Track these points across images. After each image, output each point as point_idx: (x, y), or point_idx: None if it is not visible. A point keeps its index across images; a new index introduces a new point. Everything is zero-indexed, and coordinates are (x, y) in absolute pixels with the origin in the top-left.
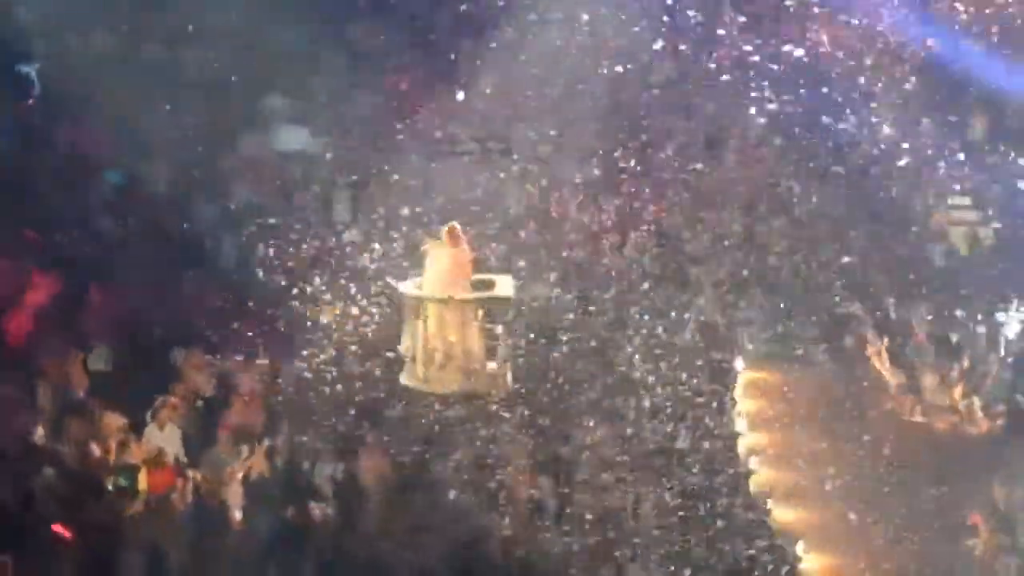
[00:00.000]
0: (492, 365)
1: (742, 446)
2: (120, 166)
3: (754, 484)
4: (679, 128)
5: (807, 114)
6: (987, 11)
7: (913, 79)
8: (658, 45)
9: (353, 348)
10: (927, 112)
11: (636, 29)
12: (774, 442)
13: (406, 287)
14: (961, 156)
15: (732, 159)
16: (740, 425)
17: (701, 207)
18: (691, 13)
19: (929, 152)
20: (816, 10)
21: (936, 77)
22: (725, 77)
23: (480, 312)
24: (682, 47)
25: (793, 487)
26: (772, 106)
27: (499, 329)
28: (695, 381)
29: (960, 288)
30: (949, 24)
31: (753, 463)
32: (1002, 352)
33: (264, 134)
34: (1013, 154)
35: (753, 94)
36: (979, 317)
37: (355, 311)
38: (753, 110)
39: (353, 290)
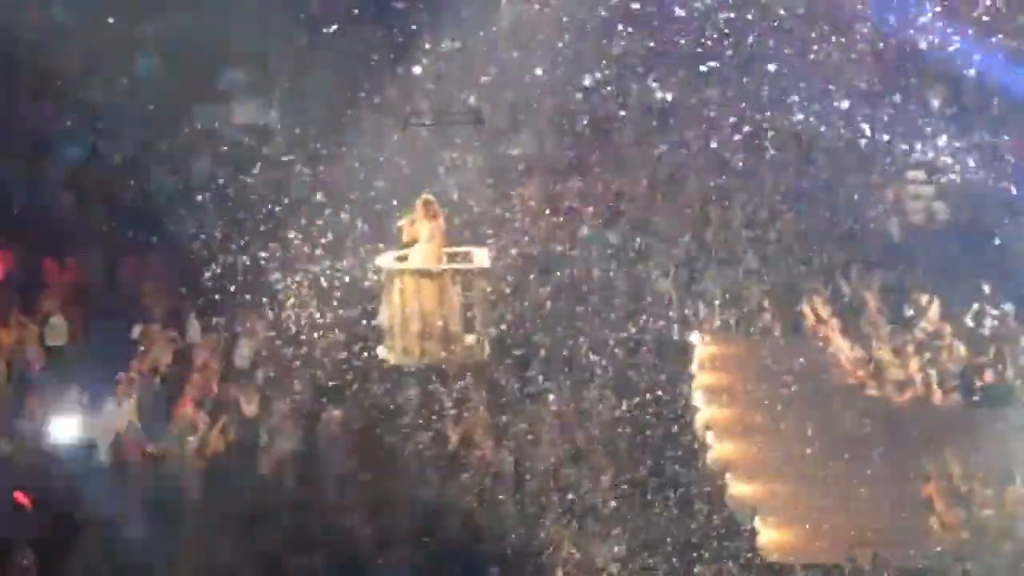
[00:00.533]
0: (469, 337)
1: (699, 420)
2: (76, 140)
3: (711, 458)
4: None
5: (764, 91)
6: None
7: (869, 57)
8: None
9: (320, 321)
10: (884, 87)
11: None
12: (731, 416)
13: (383, 260)
14: (919, 131)
15: (689, 136)
16: (697, 399)
17: (659, 184)
18: None
19: (885, 126)
20: None
21: (893, 54)
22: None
23: (457, 284)
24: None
25: (749, 460)
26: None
27: (476, 300)
28: (652, 355)
29: (915, 262)
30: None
31: (710, 437)
32: (960, 325)
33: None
34: (969, 130)
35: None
36: (934, 291)
37: (323, 283)
38: (711, 89)
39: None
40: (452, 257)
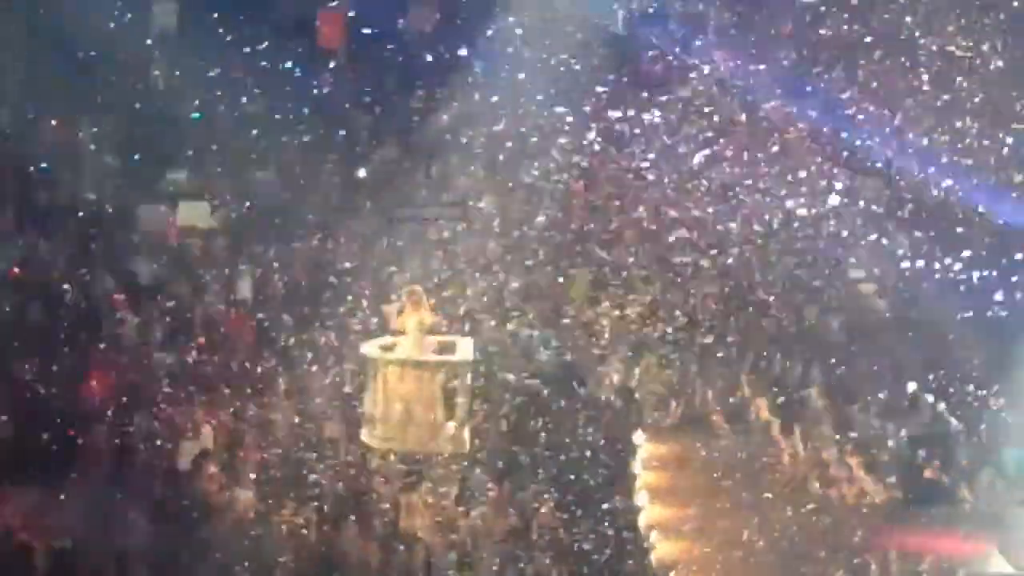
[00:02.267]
0: (451, 425)
1: (643, 519)
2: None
3: (655, 558)
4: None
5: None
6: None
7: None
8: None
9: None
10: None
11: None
12: (675, 515)
13: (368, 348)
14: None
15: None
16: (640, 498)
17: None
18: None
19: (831, 226)
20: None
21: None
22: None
23: (440, 374)
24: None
25: (694, 559)
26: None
27: (458, 390)
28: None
29: (858, 359)
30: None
31: (653, 536)
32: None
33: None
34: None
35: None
36: (875, 388)
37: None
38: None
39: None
40: (437, 347)
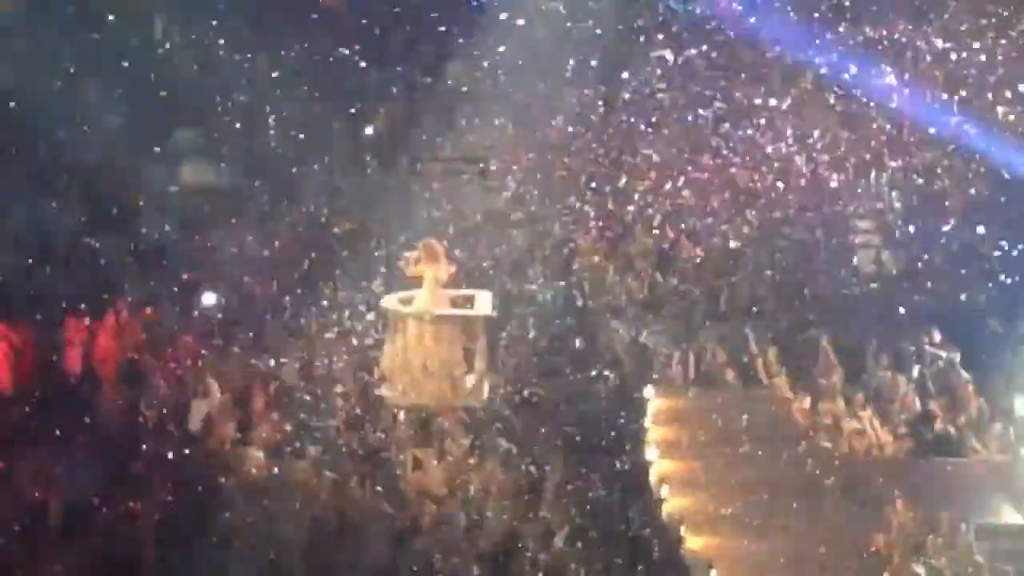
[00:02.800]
0: (470, 378)
1: (653, 474)
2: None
3: (666, 512)
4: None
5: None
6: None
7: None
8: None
9: None
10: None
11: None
12: (685, 469)
13: (387, 302)
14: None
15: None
16: (651, 453)
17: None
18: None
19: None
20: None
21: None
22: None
23: (457, 327)
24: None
25: (704, 514)
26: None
27: (477, 343)
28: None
29: (867, 312)
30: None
31: (665, 491)
32: (910, 377)
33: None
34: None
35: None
36: (885, 341)
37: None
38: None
39: None
40: (455, 301)
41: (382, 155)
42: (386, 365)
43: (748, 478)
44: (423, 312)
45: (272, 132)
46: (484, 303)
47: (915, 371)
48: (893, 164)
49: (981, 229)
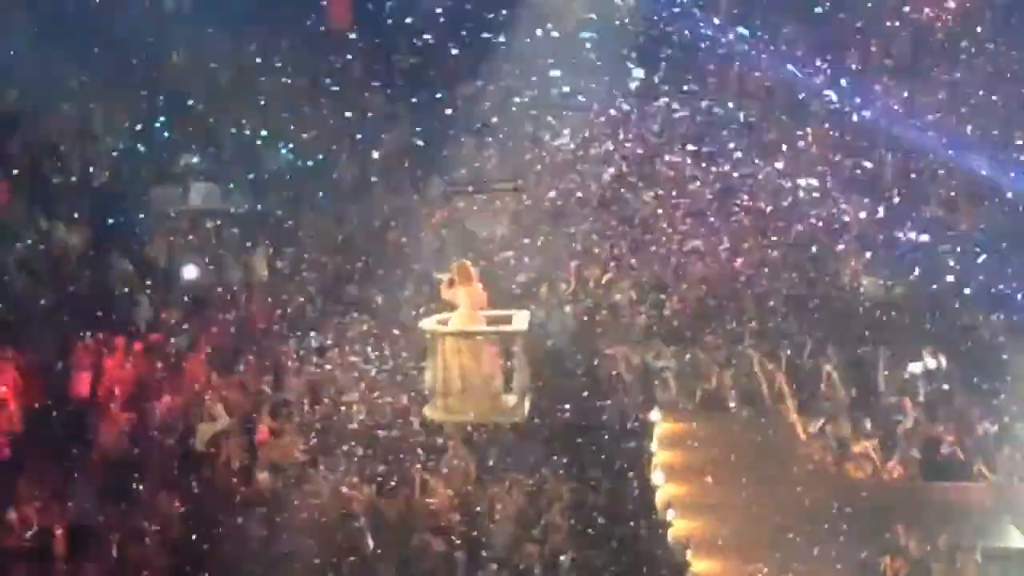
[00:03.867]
0: (510, 396)
1: (659, 497)
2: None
3: (671, 535)
4: None
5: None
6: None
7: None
8: None
9: None
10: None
11: None
12: (691, 493)
13: (427, 323)
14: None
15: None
16: (657, 477)
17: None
18: None
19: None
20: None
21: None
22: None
23: (494, 345)
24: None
25: (710, 537)
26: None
27: (515, 360)
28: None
29: (872, 337)
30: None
31: (671, 515)
32: (916, 400)
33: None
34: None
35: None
36: (892, 366)
37: None
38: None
39: None
40: (493, 320)
41: (410, 177)
42: (429, 384)
43: (754, 502)
44: (460, 330)
45: (291, 154)
46: (522, 321)
47: (921, 395)
48: (902, 189)
49: (989, 253)
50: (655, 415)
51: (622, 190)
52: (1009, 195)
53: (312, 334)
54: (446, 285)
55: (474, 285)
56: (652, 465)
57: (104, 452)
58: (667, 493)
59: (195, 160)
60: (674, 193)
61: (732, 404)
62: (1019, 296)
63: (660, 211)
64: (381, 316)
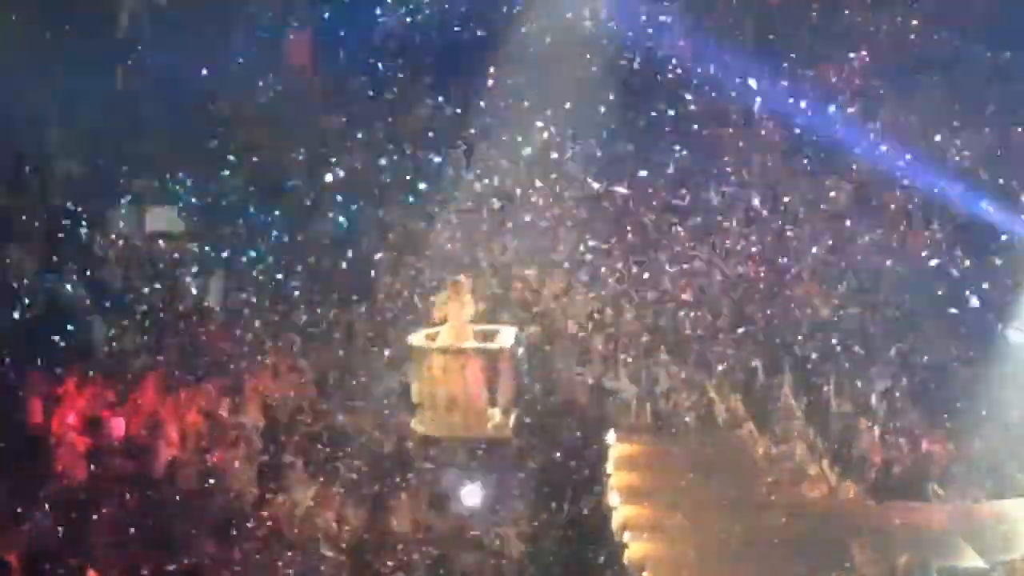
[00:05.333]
0: (495, 412)
1: (615, 519)
2: None
3: (627, 557)
4: None
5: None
6: None
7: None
8: None
9: None
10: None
11: None
12: (647, 515)
13: (415, 338)
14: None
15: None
16: (613, 498)
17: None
18: None
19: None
20: None
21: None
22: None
23: (480, 361)
24: None
25: (666, 559)
26: None
27: (500, 377)
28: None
29: (827, 359)
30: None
31: (626, 536)
32: (870, 421)
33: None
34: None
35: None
36: (846, 387)
37: None
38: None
39: None
40: (480, 336)
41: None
42: (416, 398)
43: (710, 523)
44: (448, 346)
45: (250, 175)
46: (508, 337)
47: (875, 416)
48: (857, 212)
49: (942, 275)
50: (611, 437)
51: (578, 213)
52: (960, 216)
53: (269, 357)
54: (439, 306)
55: (465, 299)
56: (608, 487)
57: (60, 477)
58: (623, 515)
59: (152, 183)
60: (627, 218)
61: (688, 426)
62: (971, 317)
63: (614, 236)
64: (348, 336)
